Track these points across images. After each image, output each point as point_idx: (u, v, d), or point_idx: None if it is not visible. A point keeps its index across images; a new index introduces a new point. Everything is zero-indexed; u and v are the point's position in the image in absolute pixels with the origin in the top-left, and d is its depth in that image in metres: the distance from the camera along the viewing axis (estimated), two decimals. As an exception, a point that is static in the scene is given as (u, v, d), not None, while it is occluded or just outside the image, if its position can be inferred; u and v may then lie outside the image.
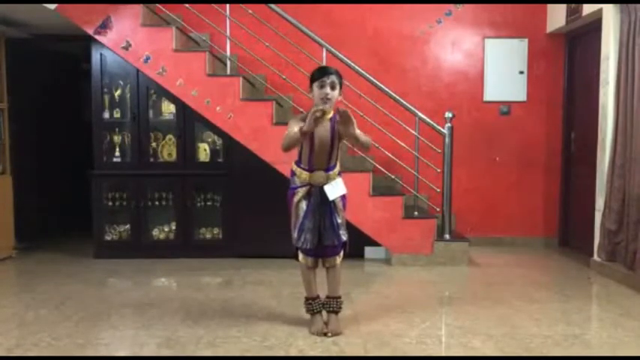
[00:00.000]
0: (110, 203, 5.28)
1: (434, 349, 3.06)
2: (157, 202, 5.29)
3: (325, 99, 3.08)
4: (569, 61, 5.80)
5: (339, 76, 3.14)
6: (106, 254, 5.19)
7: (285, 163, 4.77)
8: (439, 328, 3.41)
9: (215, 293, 4.18)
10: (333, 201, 3.19)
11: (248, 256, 5.14)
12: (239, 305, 3.82)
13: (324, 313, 3.33)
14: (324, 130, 3.13)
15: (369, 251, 5.18)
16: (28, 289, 4.29)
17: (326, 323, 3.27)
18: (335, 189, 3.20)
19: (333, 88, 3.09)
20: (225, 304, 3.84)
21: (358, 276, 4.70)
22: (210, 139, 5.36)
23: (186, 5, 5.12)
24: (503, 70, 5.87)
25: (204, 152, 5.33)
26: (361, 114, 4.98)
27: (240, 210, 5.20)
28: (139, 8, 4.76)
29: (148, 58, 4.77)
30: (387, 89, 4.98)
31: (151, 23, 4.92)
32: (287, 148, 3.13)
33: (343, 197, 3.26)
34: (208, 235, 5.34)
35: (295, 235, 3.21)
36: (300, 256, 3.28)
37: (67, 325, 3.39)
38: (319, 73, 3.11)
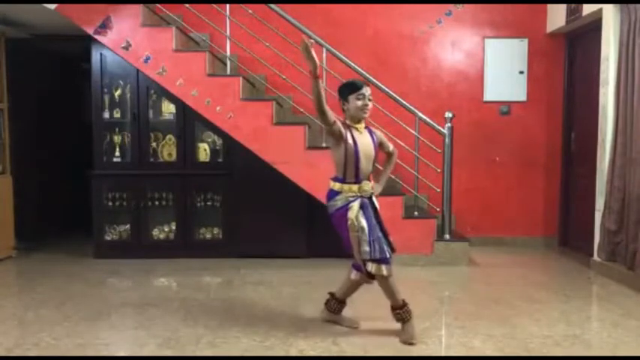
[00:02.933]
0: (110, 203, 5.28)
1: (434, 349, 3.06)
2: (157, 202, 5.29)
3: (365, 110, 3.15)
4: (569, 61, 5.80)
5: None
6: (106, 254, 5.19)
7: (285, 163, 4.83)
8: (439, 328, 3.41)
9: (215, 293, 4.19)
10: (377, 210, 3.22)
11: (248, 256, 5.14)
12: (239, 305, 3.82)
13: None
14: (365, 139, 3.18)
15: (369, 251, 5.18)
16: (28, 289, 4.29)
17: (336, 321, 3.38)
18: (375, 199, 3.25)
19: (369, 100, 3.18)
20: (225, 304, 3.84)
21: (358, 276, 4.70)
22: (210, 139, 5.36)
23: (186, 5, 5.12)
24: (503, 70, 5.87)
25: (204, 152, 5.33)
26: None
27: (240, 210, 5.20)
28: (138, 8, 4.76)
29: (148, 58, 4.77)
30: (387, 89, 4.98)
31: (151, 23, 4.92)
32: (320, 104, 2.98)
33: None
34: (208, 235, 5.34)
35: (367, 249, 3.07)
36: (380, 268, 3.11)
37: (67, 325, 3.39)
38: (357, 86, 3.17)
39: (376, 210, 3.21)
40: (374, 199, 3.23)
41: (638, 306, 3.83)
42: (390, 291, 3.18)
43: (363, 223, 3.10)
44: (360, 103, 3.15)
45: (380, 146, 3.32)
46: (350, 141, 3.12)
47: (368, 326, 3.37)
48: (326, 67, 4.98)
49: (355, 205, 3.13)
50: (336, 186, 3.18)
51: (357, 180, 3.16)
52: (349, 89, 3.18)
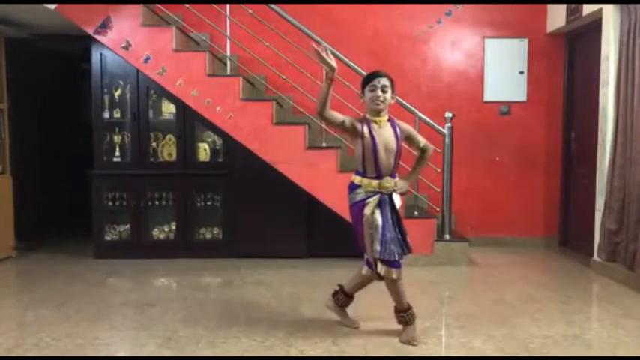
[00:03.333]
0: (110, 203, 5.28)
1: (434, 349, 3.06)
2: (157, 202, 5.29)
3: (377, 101, 3.05)
4: (569, 61, 5.79)
5: (390, 79, 3.11)
6: (106, 254, 5.19)
7: (285, 163, 4.82)
8: (439, 328, 3.41)
9: (215, 293, 4.19)
10: (397, 210, 3.13)
11: (248, 256, 5.14)
12: (239, 305, 3.82)
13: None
14: (386, 133, 3.08)
15: (369, 251, 5.18)
16: (28, 289, 4.29)
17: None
18: (397, 198, 3.14)
19: (384, 91, 3.06)
20: (225, 304, 3.84)
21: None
22: (210, 139, 5.36)
23: (186, 5, 5.12)
24: (503, 70, 5.87)
25: (204, 152, 5.33)
26: (361, 114, 4.97)
27: (240, 210, 5.20)
28: (138, 8, 4.76)
29: (148, 58, 4.77)
30: (387, 89, 4.98)
31: (151, 23, 4.92)
32: (322, 107, 3.01)
33: None
34: (208, 235, 5.34)
35: (378, 248, 3.02)
36: (390, 271, 3.06)
37: (67, 325, 3.39)
38: (370, 77, 3.10)
39: (394, 208, 3.11)
40: (395, 196, 3.13)
41: (638, 306, 3.83)
42: (397, 294, 3.14)
43: (378, 221, 3.04)
44: (371, 94, 3.07)
45: (408, 140, 3.22)
46: (367, 136, 3.05)
47: (368, 326, 3.37)
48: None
49: (372, 201, 3.07)
50: (357, 179, 3.14)
51: (378, 175, 3.08)
52: (365, 81, 3.11)
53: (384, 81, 3.08)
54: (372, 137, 3.06)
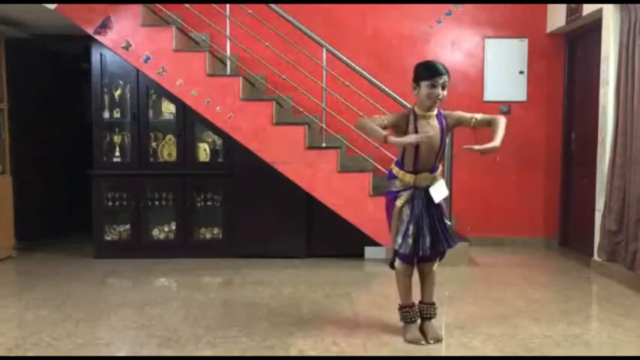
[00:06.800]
0: (110, 203, 5.28)
1: (434, 349, 3.06)
2: (157, 202, 5.29)
3: (436, 100, 2.94)
4: (569, 61, 5.79)
5: (449, 74, 2.97)
6: (106, 254, 5.19)
7: (285, 163, 4.83)
8: (439, 328, 3.40)
9: (215, 293, 4.18)
10: (439, 203, 3.07)
11: (248, 256, 5.14)
12: (239, 305, 3.82)
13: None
14: (431, 128, 2.98)
15: (369, 251, 5.18)
16: (28, 289, 4.29)
17: (422, 330, 3.18)
18: (439, 191, 3.05)
19: (443, 88, 2.93)
20: (225, 304, 3.84)
21: (358, 276, 4.70)
22: (210, 139, 5.36)
23: (186, 5, 5.12)
24: (503, 70, 5.86)
25: (204, 152, 5.33)
26: (361, 114, 4.98)
27: (240, 210, 5.20)
28: (138, 8, 4.76)
29: (148, 58, 4.77)
30: (387, 89, 4.99)
31: (151, 23, 4.92)
32: (360, 130, 3.09)
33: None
34: (208, 235, 5.33)
35: (400, 240, 3.02)
36: (397, 262, 3.14)
37: (67, 325, 3.39)
38: (430, 72, 2.94)
39: (433, 203, 3.03)
40: (435, 191, 3.04)
41: (638, 306, 3.83)
42: (404, 288, 3.15)
43: (404, 216, 3.02)
44: (430, 91, 2.92)
45: (461, 125, 3.08)
46: (412, 133, 2.97)
47: (368, 326, 3.37)
48: (326, 67, 4.98)
49: (405, 194, 3.04)
50: (395, 170, 3.11)
51: (415, 170, 3.03)
52: (423, 75, 2.95)
53: (445, 78, 2.92)
54: (417, 133, 2.97)
